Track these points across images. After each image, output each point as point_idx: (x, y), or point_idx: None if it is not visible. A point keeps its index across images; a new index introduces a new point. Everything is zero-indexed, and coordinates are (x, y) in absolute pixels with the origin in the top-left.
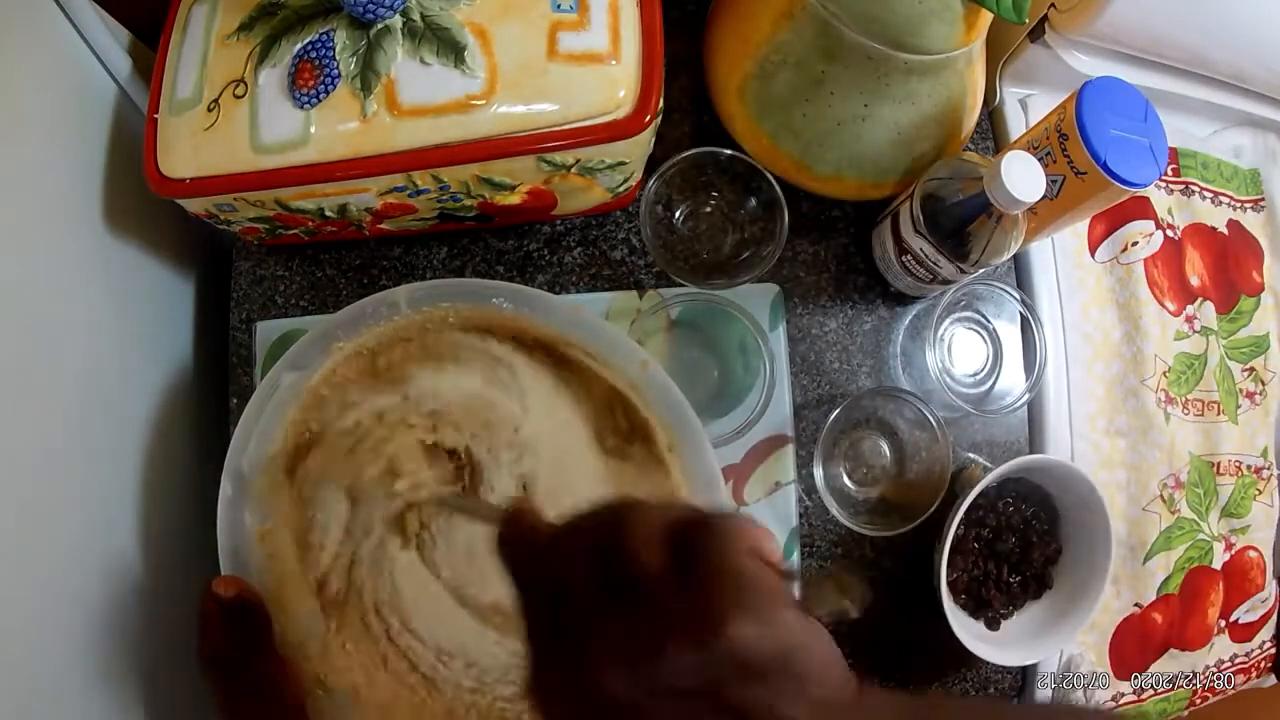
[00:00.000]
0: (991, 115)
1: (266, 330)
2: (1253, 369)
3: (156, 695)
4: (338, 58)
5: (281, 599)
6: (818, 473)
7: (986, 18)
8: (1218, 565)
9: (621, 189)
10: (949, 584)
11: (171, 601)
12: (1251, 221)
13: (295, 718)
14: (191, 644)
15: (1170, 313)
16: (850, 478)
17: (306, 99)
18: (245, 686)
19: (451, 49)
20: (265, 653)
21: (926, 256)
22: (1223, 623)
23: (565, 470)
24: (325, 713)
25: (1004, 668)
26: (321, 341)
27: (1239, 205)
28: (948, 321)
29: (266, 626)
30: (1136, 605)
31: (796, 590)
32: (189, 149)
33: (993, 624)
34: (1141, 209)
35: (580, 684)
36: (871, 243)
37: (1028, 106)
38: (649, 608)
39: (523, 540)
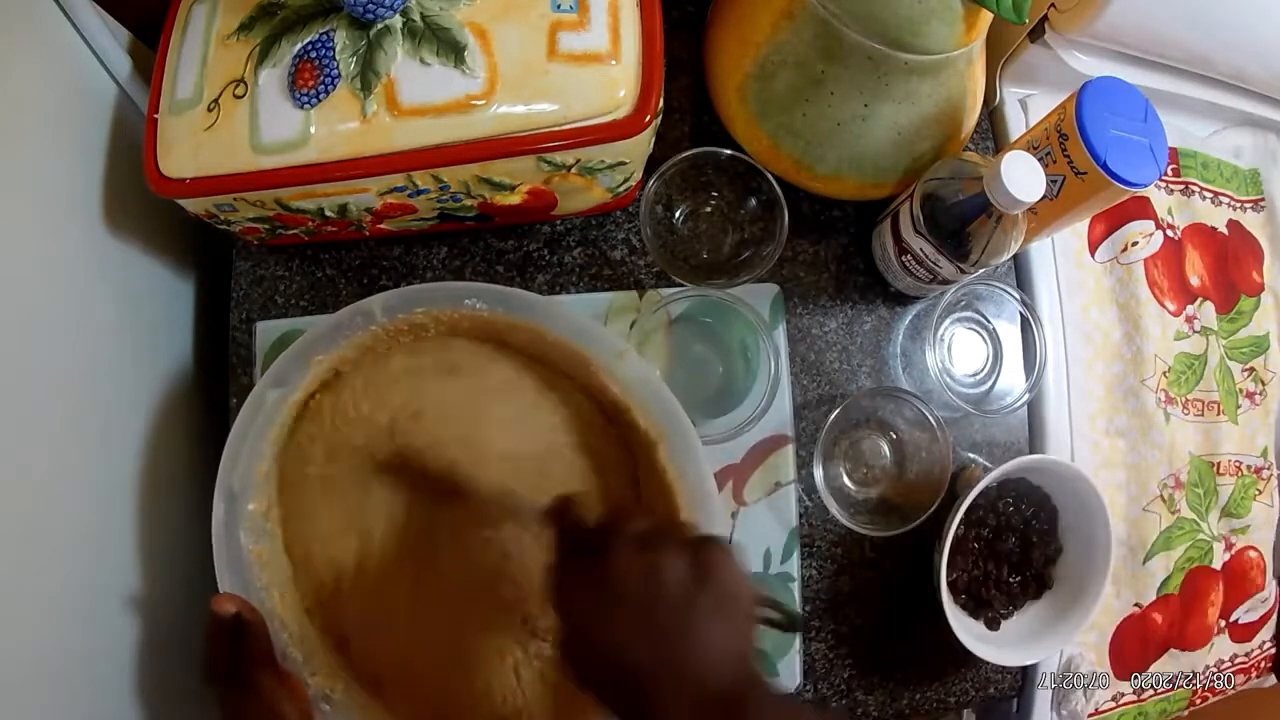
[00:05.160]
0: (991, 115)
1: (266, 330)
2: (1253, 369)
3: (160, 707)
4: (338, 58)
5: (283, 616)
6: (818, 473)
7: (986, 18)
8: (1218, 565)
9: (621, 189)
10: (949, 584)
11: (173, 608)
12: (1251, 221)
13: None
14: (196, 654)
15: (1170, 313)
16: (850, 478)
17: (306, 99)
18: (250, 702)
19: (451, 49)
20: (267, 668)
21: (926, 256)
22: (1223, 623)
23: (549, 473)
24: None
25: (1004, 668)
26: (302, 356)
27: (1239, 205)
28: (948, 321)
29: (266, 642)
30: (1136, 605)
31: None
32: (189, 149)
33: (993, 624)
34: (1141, 209)
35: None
36: (871, 243)
37: (1028, 106)
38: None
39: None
